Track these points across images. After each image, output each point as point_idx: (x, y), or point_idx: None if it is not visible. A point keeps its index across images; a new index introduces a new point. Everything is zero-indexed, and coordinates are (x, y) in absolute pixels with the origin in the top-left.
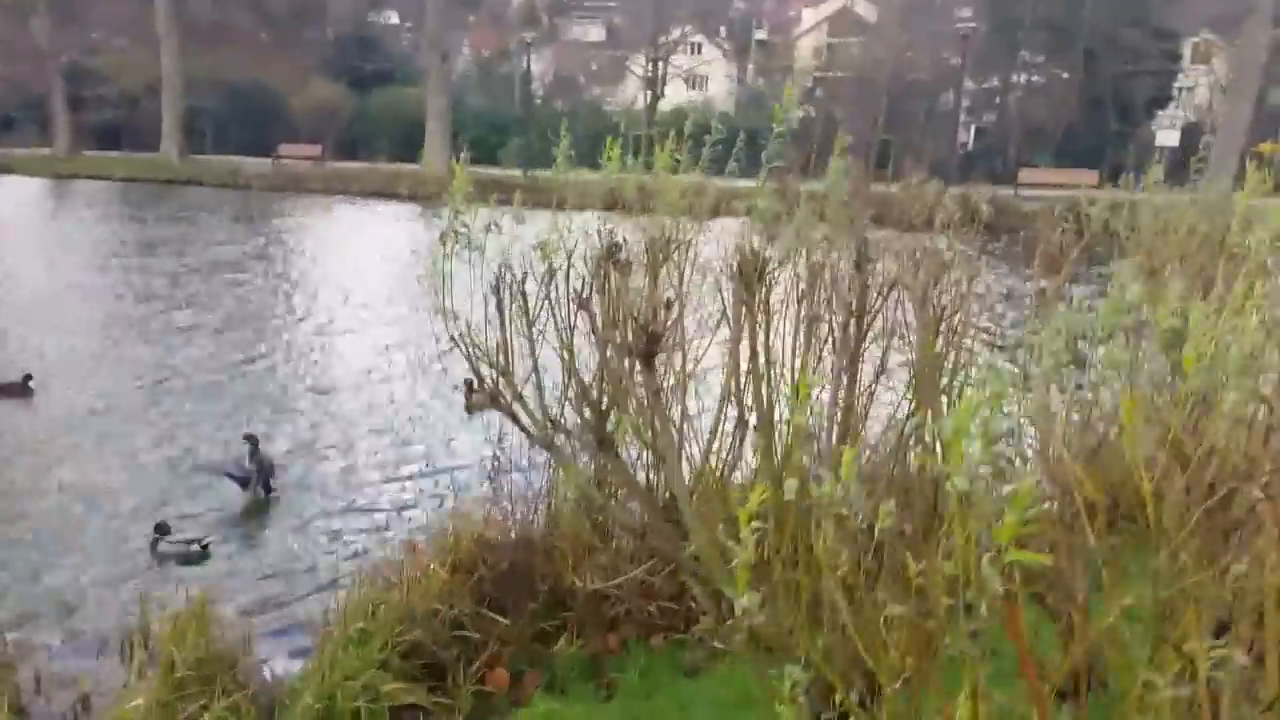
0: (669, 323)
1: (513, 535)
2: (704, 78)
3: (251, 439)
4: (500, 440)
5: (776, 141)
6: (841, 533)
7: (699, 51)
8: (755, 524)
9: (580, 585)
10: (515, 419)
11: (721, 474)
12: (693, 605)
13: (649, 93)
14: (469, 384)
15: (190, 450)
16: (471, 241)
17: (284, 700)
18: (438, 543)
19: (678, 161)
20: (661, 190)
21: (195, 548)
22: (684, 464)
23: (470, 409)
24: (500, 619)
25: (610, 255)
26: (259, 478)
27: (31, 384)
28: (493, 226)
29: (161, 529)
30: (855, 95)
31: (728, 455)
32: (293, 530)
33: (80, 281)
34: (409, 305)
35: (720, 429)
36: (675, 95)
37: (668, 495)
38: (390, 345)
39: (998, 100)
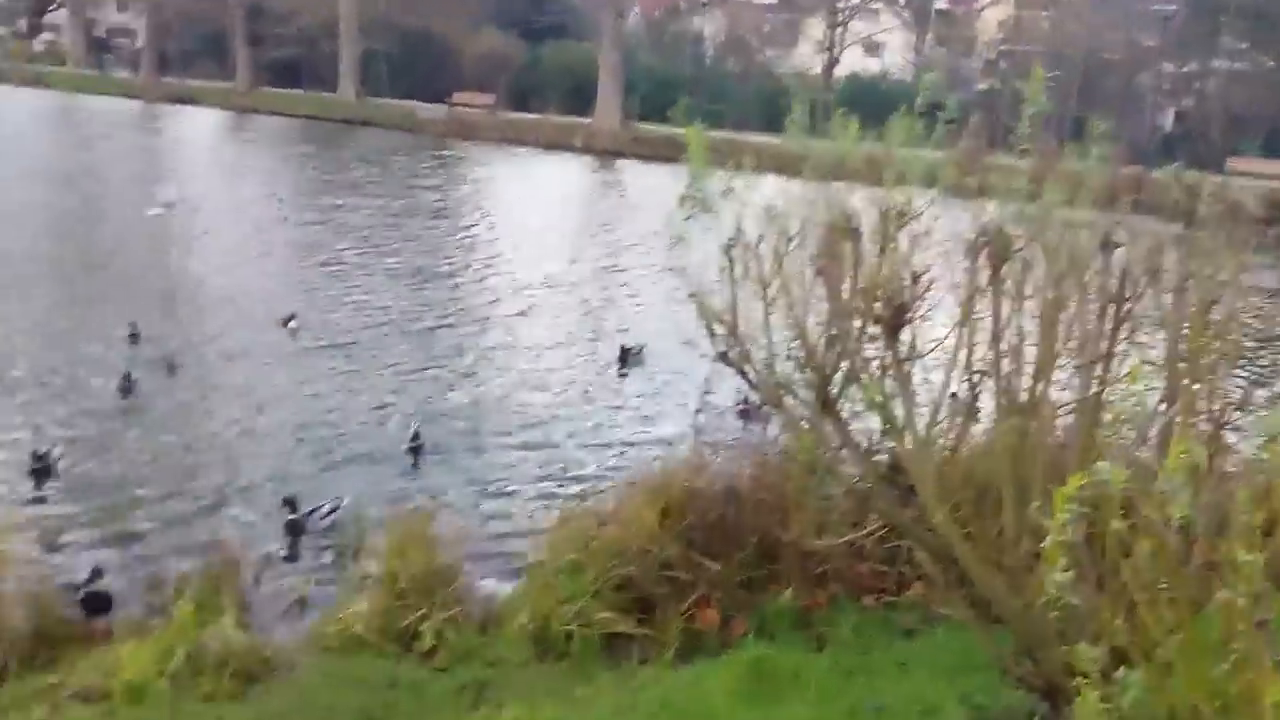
0: (918, 295)
1: (720, 486)
2: (881, 45)
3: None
4: (705, 396)
5: (1029, 121)
6: (1149, 521)
7: (877, 18)
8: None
9: (789, 540)
10: (744, 376)
11: (956, 448)
12: (904, 571)
13: (827, 57)
14: (623, 349)
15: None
16: (708, 205)
17: (498, 618)
18: (647, 489)
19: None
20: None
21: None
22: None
23: (622, 374)
24: (710, 564)
25: (846, 224)
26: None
27: (293, 324)
28: (728, 191)
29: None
30: (1045, 71)
31: (954, 430)
32: (502, 470)
33: (296, 218)
34: (617, 263)
35: (945, 404)
36: (850, 62)
37: (889, 461)
38: (602, 302)
39: (1197, 85)
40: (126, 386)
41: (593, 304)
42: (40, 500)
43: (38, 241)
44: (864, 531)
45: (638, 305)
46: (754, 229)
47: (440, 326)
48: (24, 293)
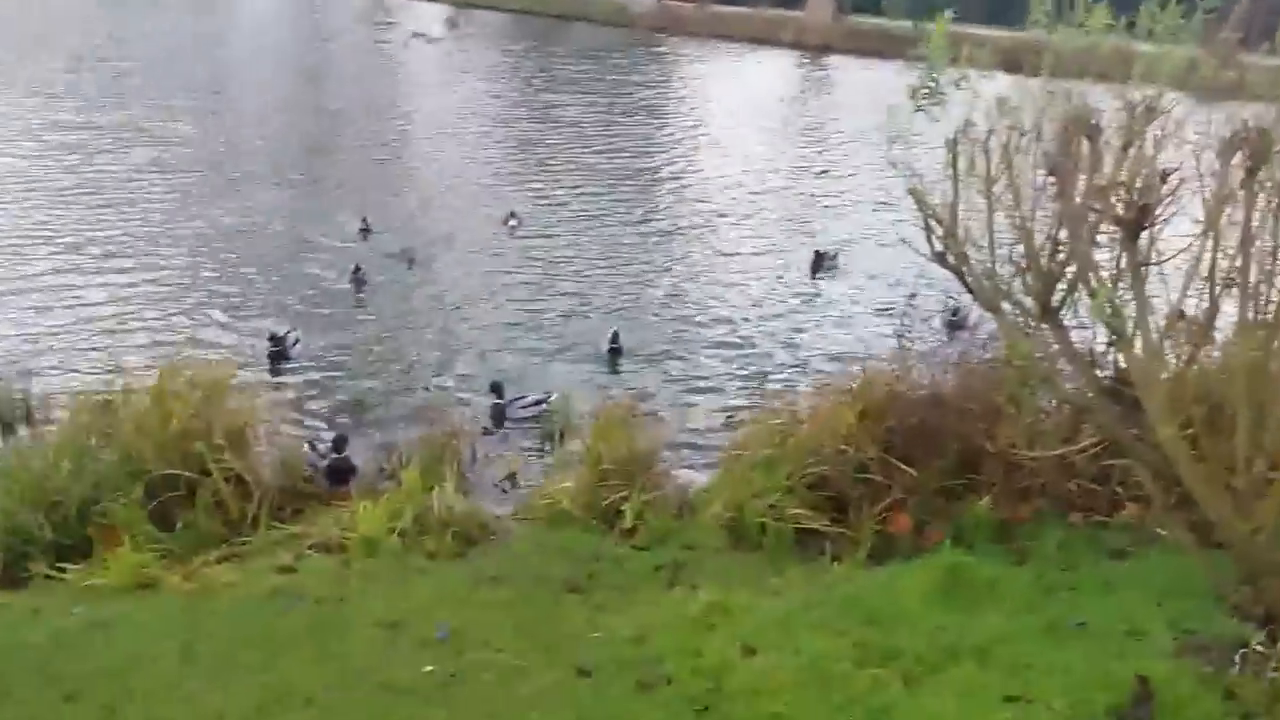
0: (1164, 197)
1: (923, 392)
2: None
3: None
4: (911, 300)
5: None
6: None
7: None
8: None
9: (994, 451)
10: (961, 279)
11: (1189, 362)
12: (1117, 491)
13: None
14: (817, 254)
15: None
16: (939, 97)
17: (694, 505)
18: (847, 391)
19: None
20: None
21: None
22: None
23: (816, 280)
24: (907, 469)
25: (1085, 119)
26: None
27: (512, 222)
28: (960, 83)
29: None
30: None
31: (1189, 343)
32: (699, 369)
33: (516, 114)
34: (827, 164)
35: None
36: None
37: (1113, 374)
38: (808, 204)
39: None
40: (358, 278)
41: (799, 206)
42: (280, 378)
43: (283, 136)
44: (1076, 447)
45: (844, 207)
46: (982, 124)
47: (651, 228)
48: (268, 186)
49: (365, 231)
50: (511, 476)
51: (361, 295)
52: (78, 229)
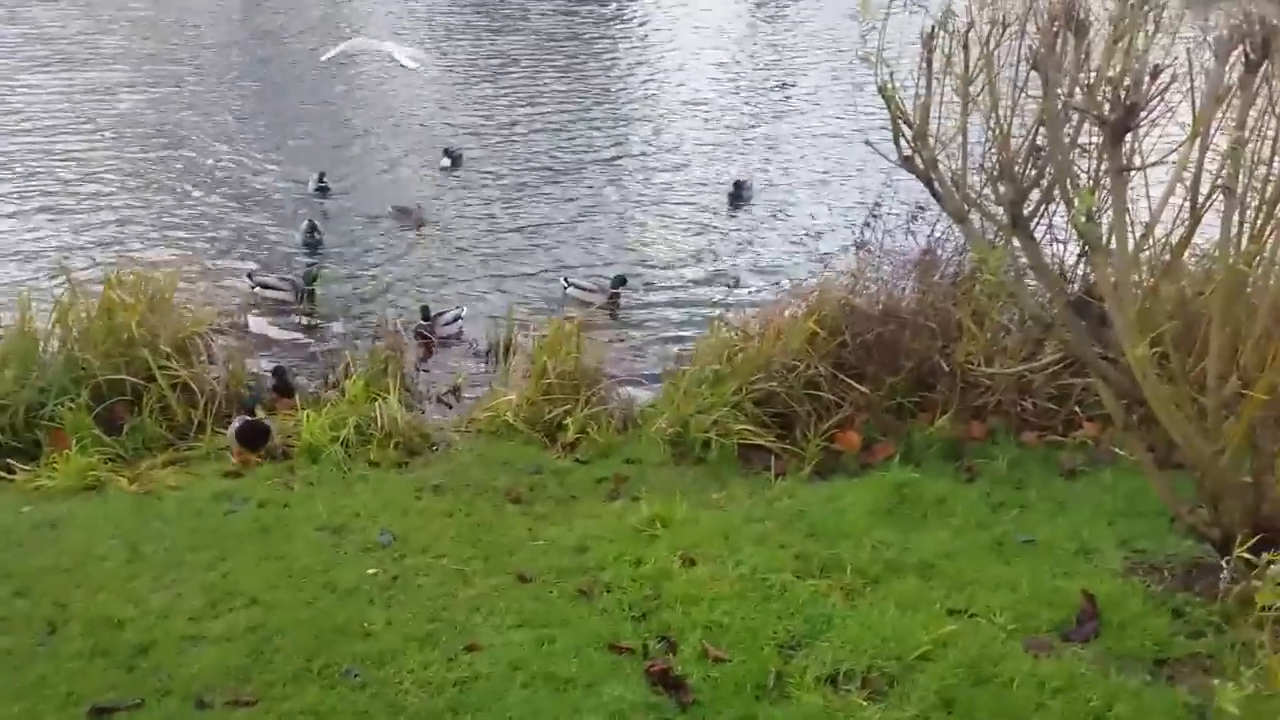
0: (1154, 95)
1: (880, 307)
2: None
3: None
4: (876, 209)
5: None
6: None
7: None
8: None
9: (950, 368)
10: (929, 184)
11: (1165, 275)
12: (1076, 410)
13: None
14: (737, 183)
15: None
16: None
17: (637, 420)
18: (801, 305)
19: None
20: None
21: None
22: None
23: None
24: (858, 386)
25: (1069, 12)
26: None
27: (446, 162)
28: None
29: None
30: None
31: (1165, 256)
32: (645, 301)
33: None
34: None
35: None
36: None
37: (1082, 288)
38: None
39: None
40: (312, 240)
41: (756, 126)
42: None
43: (232, 88)
44: (1038, 363)
45: (807, 124)
46: (963, 16)
47: (588, 166)
48: (218, 142)
49: (323, 190)
50: (455, 390)
51: (316, 257)
52: (40, 145)
